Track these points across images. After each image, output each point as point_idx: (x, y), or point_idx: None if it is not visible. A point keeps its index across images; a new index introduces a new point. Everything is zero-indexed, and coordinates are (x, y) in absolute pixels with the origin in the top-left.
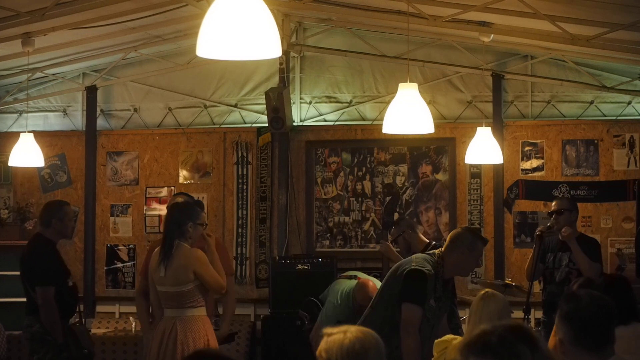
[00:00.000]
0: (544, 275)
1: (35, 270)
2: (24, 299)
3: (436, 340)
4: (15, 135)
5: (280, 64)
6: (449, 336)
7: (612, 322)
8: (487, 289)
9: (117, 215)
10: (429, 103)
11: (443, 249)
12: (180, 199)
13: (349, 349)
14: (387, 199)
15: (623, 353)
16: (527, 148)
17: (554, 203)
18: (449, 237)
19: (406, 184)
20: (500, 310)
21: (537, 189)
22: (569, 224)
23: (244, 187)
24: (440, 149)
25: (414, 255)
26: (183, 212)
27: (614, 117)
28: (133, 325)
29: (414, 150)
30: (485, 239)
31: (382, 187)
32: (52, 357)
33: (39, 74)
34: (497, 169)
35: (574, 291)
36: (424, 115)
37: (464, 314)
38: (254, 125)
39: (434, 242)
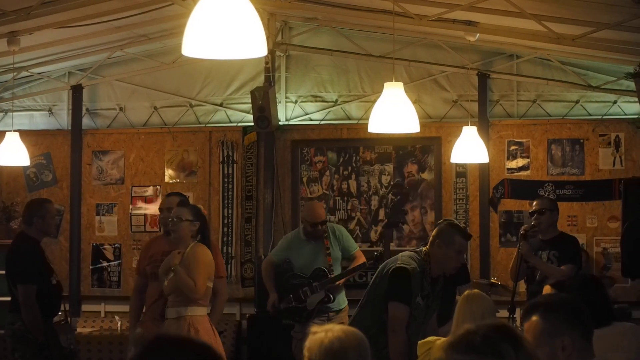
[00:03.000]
0: (527, 274)
1: (17, 268)
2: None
3: (420, 341)
4: (0, 135)
5: (266, 63)
6: (433, 337)
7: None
8: (472, 290)
9: (103, 215)
10: (414, 102)
11: (428, 245)
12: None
13: (327, 348)
14: (396, 198)
15: (607, 352)
16: (512, 147)
17: (534, 203)
18: (432, 232)
19: (392, 183)
20: (484, 310)
21: (523, 188)
22: (551, 224)
23: (230, 186)
24: (425, 148)
25: (401, 253)
26: None
27: (600, 117)
28: (119, 325)
29: (400, 149)
30: (466, 234)
31: (390, 187)
32: (32, 355)
33: (24, 73)
34: (482, 168)
35: (542, 297)
36: (409, 114)
37: None
38: (239, 124)
39: None
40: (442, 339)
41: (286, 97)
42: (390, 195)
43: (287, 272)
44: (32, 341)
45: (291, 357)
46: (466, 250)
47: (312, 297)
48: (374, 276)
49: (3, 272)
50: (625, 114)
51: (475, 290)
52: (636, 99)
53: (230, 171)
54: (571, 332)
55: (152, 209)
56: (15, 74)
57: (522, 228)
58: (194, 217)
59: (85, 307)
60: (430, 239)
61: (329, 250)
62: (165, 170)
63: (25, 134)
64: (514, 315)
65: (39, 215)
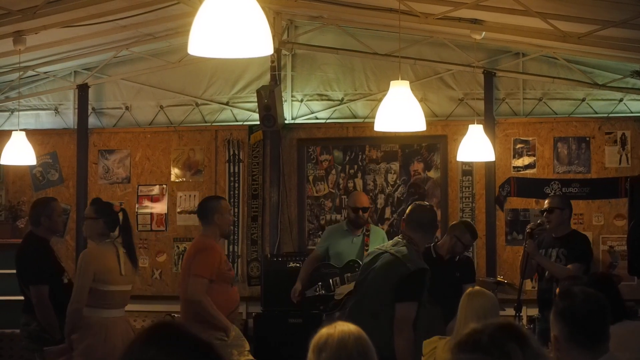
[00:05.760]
0: (538, 272)
1: (27, 269)
2: (16, 298)
3: (425, 341)
4: (7, 134)
5: (272, 62)
6: (437, 337)
7: (607, 319)
8: (474, 287)
9: None
10: (420, 101)
11: (407, 233)
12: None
13: (340, 341)
14: (412, 199)
15: (615, 351)
16: (518, 145)
17: (546, 201)
18: (411, 219)
19: (398, 181)
20: (486, 307)
21: (529, 187)
22: (561, 222)
23: (236, 185)
24: (432, 146)
25: (392, 248)
26: None
27: (606, 115)
28: None
29: (406, 148)
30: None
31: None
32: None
33: (30, 72)
34: (488, 167)
35: (569, 288)
36: (415, 112)
37: None
38: (245, 123)
39: None
40: (447, 338)
41: (292, 96)
42: (396, 194)
43: (319, 260)
44: (50, 341)
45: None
46: (437, 227)
47: (341, 287)
48: (363, 268)
49: (10, 271)
50: (631, 112)
51: (477, 288)
52: None
53: (236, 170)
54: (560, 329)
55: (159, 208)
56: (21, 73)
57: (528, 226)
58: (97, 215)
59: None
60: (413, 224)
61: (368, 247)
62: (172, 169)
63: (31, 133)
64: (520, 314)
65: (45, 214)
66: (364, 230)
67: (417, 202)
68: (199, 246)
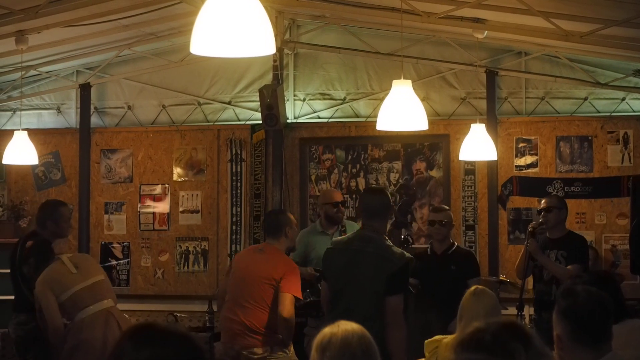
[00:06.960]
0: (534, 273)
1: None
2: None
3: (427, 341)
4: (9, 133)
5: (274, 61)
6: (439, 336)
7: (609, 318)
8: (477, 286)
9: (112, 213)
10: (422, 100)
11: (368, 222)
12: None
13: (343, 340)
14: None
15: (618, 350)
16: (521, 144)
17: (543, 201)
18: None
19: (400, 180)
20: (487, 306)
21: (532, 186)
22: (559, 222)
23: (238, 184)
24: (434, 145)
25: (374, 248)
26: None
27: (608, 114)
28: None
29: (408, 147)
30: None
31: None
32: (45, 355)
33: (32, 72)
34: (491, 166)
35: (572, 287)
36: (418, 112)
37: None
38: (247, 122)
39: None
40: (449, 337)
41: (294, 95)
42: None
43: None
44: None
45: (304, 355)
46: (391, 208)
47: None
48: (334, 268)
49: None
50: (634, 111)
51: (480, 287)
52: None
53: (238, 169)
54: (563, 328)
55: (161, 207)
56: (23, 72)
57: (530, 225)
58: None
59: None
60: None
61: None
62: (174, 168)
63: (33, 133)
64: (522, 313)
65: (52, 219)
66: (339, 227)
67: (366, 189)
68: (291, 265)
